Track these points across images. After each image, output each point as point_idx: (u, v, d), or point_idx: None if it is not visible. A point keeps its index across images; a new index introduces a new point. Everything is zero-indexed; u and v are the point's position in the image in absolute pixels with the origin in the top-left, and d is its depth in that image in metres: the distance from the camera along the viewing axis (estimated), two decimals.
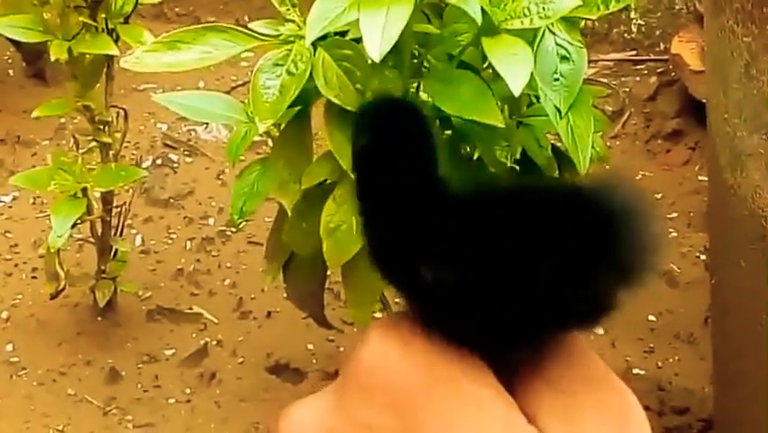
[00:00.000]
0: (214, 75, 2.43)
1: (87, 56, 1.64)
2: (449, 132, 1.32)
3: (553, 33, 1.14)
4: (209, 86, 2.37)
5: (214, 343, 1.85)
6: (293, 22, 1.19)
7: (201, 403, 1.76)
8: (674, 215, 2.11)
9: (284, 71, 1.15)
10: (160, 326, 1.89)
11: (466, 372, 0.44)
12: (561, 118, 1.13)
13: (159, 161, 2.25)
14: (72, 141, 1.80)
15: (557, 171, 1.25)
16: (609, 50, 2.57)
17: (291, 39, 1.18)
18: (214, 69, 2.28)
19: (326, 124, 1.19)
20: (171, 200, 2.15)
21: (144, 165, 2.18)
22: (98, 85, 1.69)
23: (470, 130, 1.20)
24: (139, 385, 1.79)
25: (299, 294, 1.53)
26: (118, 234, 1.81)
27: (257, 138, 1.42)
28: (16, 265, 2.01)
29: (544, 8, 1.09)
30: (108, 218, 1.78)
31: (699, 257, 2.00)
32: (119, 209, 1.81)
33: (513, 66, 1.06)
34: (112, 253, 1.81)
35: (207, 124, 2.28)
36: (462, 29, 1.18)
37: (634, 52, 2.55)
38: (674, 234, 2.05)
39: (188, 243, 2.05)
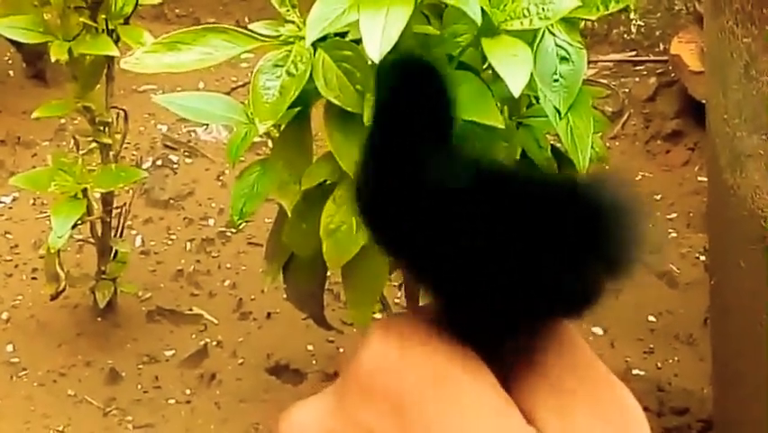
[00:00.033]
0: (214, 76, 2.43)
1: (88, 57, 1.65)
2: None
3: (553, 34, 1.15)
4: (209, 87, 2.37)
5: (214, 344, 1.85)
6: (293, 23, 1.20)
7: (201, 404, 1.76)
8: (674, 215, 2.11)
9: (284, 72, 1.15)
10: (160, 326, 1.89)
11: (466, 373, 0.44)
12: (560, 119, 1.13)
13: (159, 162, 2.25)
14: (72, 142, 1.81)
15: (557, 172, 1.25)
16: (609, 50, 2.57)
17: (291, 40, 1.18)
18: (214, 69, 2.28)
19: (326, 125, 1.19)
20: (171, 201, 2.16)
21: (144, 166, 2.18)
22: (98, 86, 1.70)
23: (469, 131, 1.20)
24: (139, 386, 1.79)
25: (299, 295, 1.53)
26: (118, 234, 1.82)
27: (257, 139, 1.42)
28: (16, 266, 2.01)
29: (543, 9, 1.09)
30: (108, 219, 1.78)
31: (698, 258, 2.00)
32: (119, 210, 1.81)
33: (513, 67, 1.06)
34: (112, 254, 1.81)
35: (207, 125, 2.28)
36: (462, 30, 1.18)
37: (633, 53, 2.55)
38: (674, 235, 2.05)
39: (188, 244, 2.05)
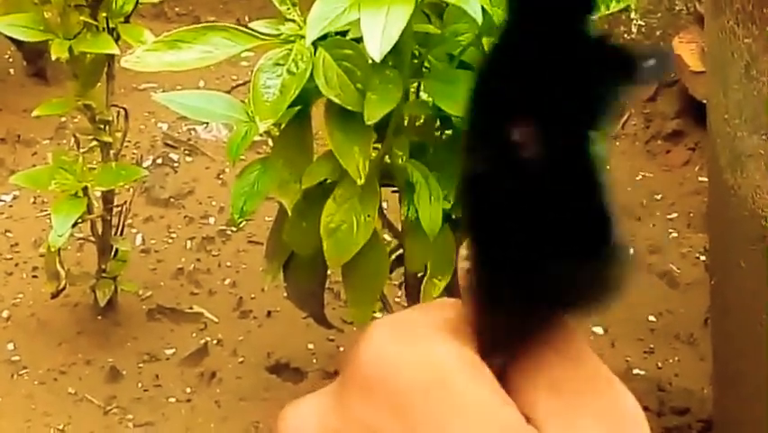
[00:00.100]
0: (214, 74, 2.43)
1: (88, 55, 1.65)
2: (449, 131, 1.32)
3: None
4: (209, 85, 2.37)
5: (215, 342, 1.85)
6: (293, 21, 1.20)
7: (201, 402, 1.76)
8: (674, 215, 2.11)
9: (284, 71, 1.15)
10: (161, 325, 1.89)
11: (465, 371, 0.44)
12: None
13: (159, 161, 2.25)
14: (73, 140, 1.81)
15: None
16: None
17: (292, 38, 1.18)
18: (215, 68, 2.28)
19: (327, 124, 1.19)
20: (172, 200, 2.16)
21: (145, 164, 2.18)
22: (99, 84, 1.70)
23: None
24: (139, 384, 1.79)
25: (299, 293, 1.53)
26: (118, 233, 1.82)
27: (257, 137, 1.42)
28: (17, 264, 2.01)
29: None
30: (109, 217, 1.78)
31: (699, 258, 2.00)
32: (119, 208, 1.81)
33: None
34: (112, 253, 1.81)
35: (208, 123, 2.28)
36: (463, 29, 1.18)
37: None
38: (674, 235, 2.05)
39: (189, 242, 2.05)
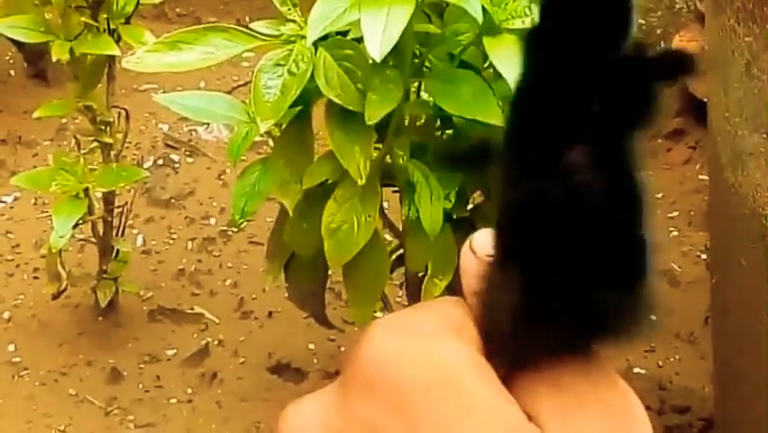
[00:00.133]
0: (215, 75, 2.43)
1: (89, 56, 1.65)
2: (450, 131, 1.32)
3: None
4: (210, 86, 2.37)
5: (216, 343, 1.85)
6: (294, 22, 1.20)
7: (202, 403, 1.76)
8: (675, 214, 2.11)
9: (285, 71, 1.15)
10: (162, 326, 1.89)
11: (469, 370, 0.44)
12: None
13: (160, 162, 2.25)
14: (73, 141, 1.81)
15: None
16: None
17: (292, 39, 1.18)
18: (216, 69, 2.28)
19: (327, 124, 1.20)
20: (172, 200, 2.16)
21: (145, 165, 2.18)
22: (100, 85, 1.70)
23: (471, 129, 1.20)
24: (140, 385, 1.79)
25: (300, 294, 1.53)
26: (119, 234, 1.82)
27: (258, 138, 1.42)
28: (18, 266, 2.01)
29: None
30: (110, 219, 1.78)
31: (699, 256, 2.00)
32: (120, 209, 1.81)
33: (514, 65, 1.06)
34: (113, 254, 1.81)
35: (208, 124, 2.28)
36: (463, 28, 1.18)
37: None
38: (675, 234, 2.05)
39: (190, 243, 2.05)
